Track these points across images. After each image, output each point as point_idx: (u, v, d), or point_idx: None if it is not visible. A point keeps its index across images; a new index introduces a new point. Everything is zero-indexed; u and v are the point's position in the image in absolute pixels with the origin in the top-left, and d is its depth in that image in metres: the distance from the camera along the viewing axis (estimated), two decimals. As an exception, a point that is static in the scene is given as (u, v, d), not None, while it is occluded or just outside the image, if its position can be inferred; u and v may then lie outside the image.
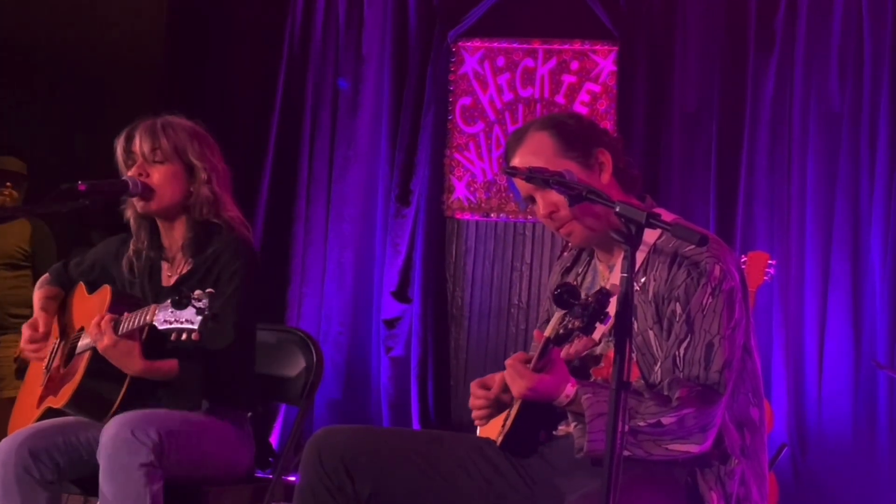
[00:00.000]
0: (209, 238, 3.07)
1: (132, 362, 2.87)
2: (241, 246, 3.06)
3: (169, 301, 2.67)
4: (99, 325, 2.84)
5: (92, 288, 3.21)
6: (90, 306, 3.14)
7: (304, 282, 6.00)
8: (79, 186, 2.94)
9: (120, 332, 2.82)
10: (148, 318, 2.75)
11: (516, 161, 2.56)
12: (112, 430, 2.77)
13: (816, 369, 5.30)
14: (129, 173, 3.04)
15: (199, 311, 2.63)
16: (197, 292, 2.65)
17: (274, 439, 5.63)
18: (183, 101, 5.95)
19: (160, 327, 2.69)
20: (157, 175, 3.04)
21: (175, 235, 3.12)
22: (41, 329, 3.22)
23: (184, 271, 3.09)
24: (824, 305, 5.32)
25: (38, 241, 5.16)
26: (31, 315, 5.23)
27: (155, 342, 2.90)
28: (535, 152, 2.55)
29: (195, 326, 2.64)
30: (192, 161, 3.06)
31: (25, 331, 3.23)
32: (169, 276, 3.12)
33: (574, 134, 2.57)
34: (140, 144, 3.04)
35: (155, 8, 6.18)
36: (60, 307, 3.29)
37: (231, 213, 3.12)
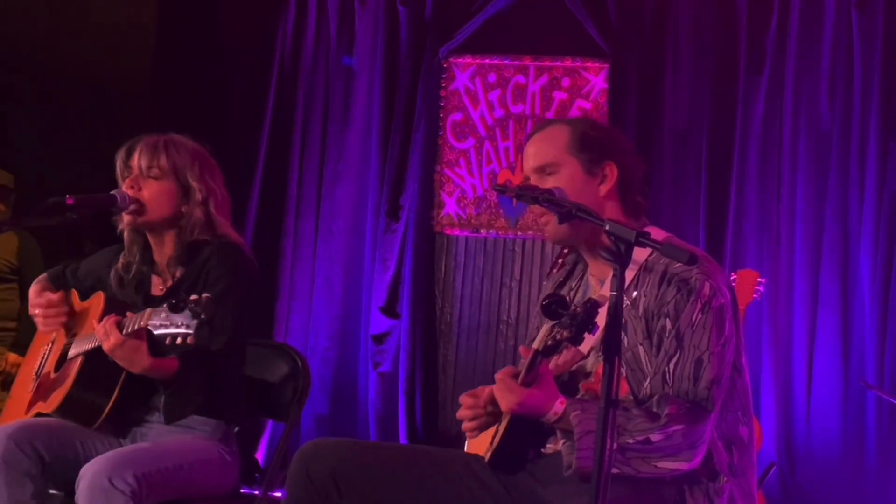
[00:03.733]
0: (200, 246, 3.06)
1: (139, 359, 2.83)
2: (232, 250, 3.05)
3: (165, 305, 2.66)
4: (104, 326, 2.82)
5: (84, 297, 3.20)
6: (85, 312, 3.13)
7: (293, 296, 5.99)
8: (66, 200, 2.94)
9: (124, 333, 2.80)
10: (143, 322, 2.74)
11: (530, 149, 2.64)
12: (88, 478, 2.74)
13: (805, 388, 5.30)
14: (123, 186, 3.03)
15: (194, 315, 2.62)
16: (193, 297, 2.64)
17: (260, 455, 5.61)
18: (173, 115, 5.98)
19: (155, 332, 2.68)
20: (148, 190, 3.03)
21: (165, 251, 3.10)
22: (56, 297, 3.18)
23: (174, 280, 3.07)
24: (813, 324, 5.33)
25: (26, 255, 5.15)
26: (17, 328, 5.21)
27: (152, 346, 2.89)
28: (548, 139, 2.62)
29: (191, 331, 2.62)
30: (189, 182, 3.05)
31: (38, 300, 3.18)
32: (160, 289, 3.10)
33: (591, 139, 2.61)
34: (138, 158, 3.04)
35: (145, 21, 6.18)
36: None
37: (223, 230, 3.11)
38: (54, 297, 3.18)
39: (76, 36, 6.00)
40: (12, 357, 4.93)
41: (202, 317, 2.61)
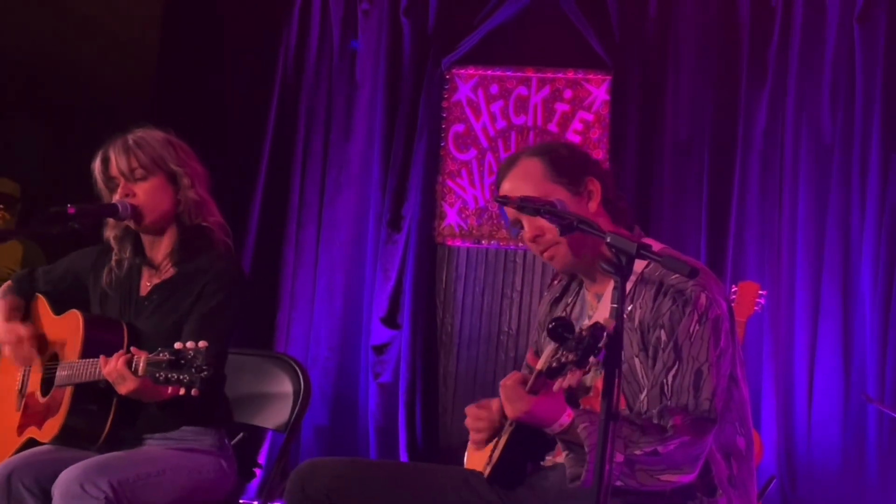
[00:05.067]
0: (197, 248, 3.03)
1: (156, 395, 2.82)
2: (228, 264, 3.03)
3: (161, 355, 2.63)
4: (117, 369, 2.75)
5: (56, 303, 3.15)
6: (60, 330, 3.08)
7: (294, 306, 5.99)
8: (68, 209, 2.93)
9: (140, 373, 2.72)
10: (141, 370, 2.69)
11: (506, 186, 2.59)
12: (62, 485, 2.72)
13: (806, 401, 5.29)
14: (115, 197, 3.00)
15: (197, 370, 2.59)
16: (189, 346, 2.61)
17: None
18: (176, 126, 5.96)
19: (157, 383, 2.65)
20: (142, 192, 2.99)
21: (162, 245, 3.08)
22: (25, 333, 3.13)
23: (166, 276, 3.04)
24: (814, 336, 5.32)
25: (30, 263, 5.14)
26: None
27: None
28: (524, 177, 2.57)
29: (195, 384, 2.60)
30: (173, 168, 3.02)
31: (8, 336, 3.14)
32: (147, 285, 3.07)
33: (565, 161, 2.59)
34: (116, 165, 3.00)
35: (149, 31, 6.19)
36: (24, 319, 3.21)
37: (214, 217, 3.09)
38: (23, 332, 3.12)
39: (80, 45, 6.00)
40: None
41: (204, 373, 2.58)
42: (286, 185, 6.05)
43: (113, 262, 3.11)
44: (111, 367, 2.76)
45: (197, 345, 2.61)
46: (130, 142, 3.02)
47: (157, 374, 2.63)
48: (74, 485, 2.71)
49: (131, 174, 2.99)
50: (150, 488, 2.82)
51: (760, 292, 4.73)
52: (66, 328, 3.05)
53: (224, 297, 2.96)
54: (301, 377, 3.29)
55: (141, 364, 2.69)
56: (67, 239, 3.17)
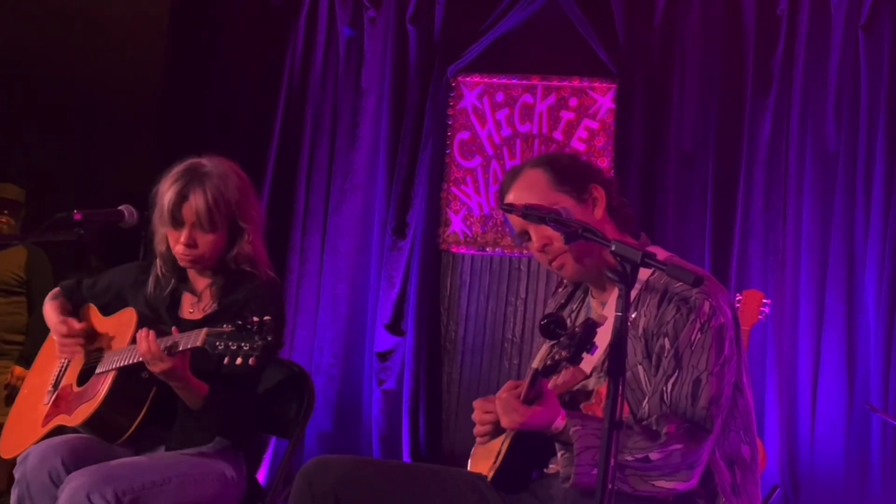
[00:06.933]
0: (238, 283, 3.05)
1: (190, 385, 2.87)
2: (272, 294, 3.04)
3: (225, 325, 2.68)
4: (150, 349, 2.81)
5: (105, 312, 3.17)
6: (111, 326, 3.11)
7: (298, 313, 5.99)
8: (74, 215, 2.94)
9: (181, 349, 2.78)
10: (199, 341, 2.74)
11: (511, 197, 2.61)
12: (68, 491, 2.74)
13: (809, 410, 5.29)
14: (181, 238, 2.98)
15: (261, 338, 2.65)
16: (255, 318, 2.66)
17: (263, 471, 5.60)
18: (183, 132, 6.00)
19: (213, 352, 2.69)
20: (203, 244, 3.00)
21: (204, 279, 3.10)
22: (78, 328, 3.13)
23: (209, 310, 3.06)
24: (818, 345, 5.32)
25: (35, 268, 5.16)
26: (24, 341, 5.21)
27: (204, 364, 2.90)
28: (529, 187, 2.59)
29: (256, 352, 2.65)
30: (241, 224, 3.03)
31: (60, 327, 3.14)
32: (191, 312, 3.09)
33: (568, 169, 2.62)
34: (192, 210, 2.98)
35: (156, 39, 6.20)
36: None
37: (262, 260, 3.10)
38: (77, 326, 3.13)
39: (85, 49, 6.02)
40: (18, 370, 4.94)
41: (268, 339, 2.64)
42: (291, 193, 6.06)
43: (159, 271, 3.12)
44: (144, 348, 2.81)
45: (262, 318, 2.66)
46: (214, 189, 2.98)
47: (217, 344, 2.67)
48: (80, 493, 2.73)
49: (205, 226, 2.98)
50: (154, 497, 2.84)
51: (764, 301, 4.73)
52: (118, 323, 3.08)
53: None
54: (305, 383, 3.29)
55: (201, 335, 2.73)
56: (72, 245, 3.17)
